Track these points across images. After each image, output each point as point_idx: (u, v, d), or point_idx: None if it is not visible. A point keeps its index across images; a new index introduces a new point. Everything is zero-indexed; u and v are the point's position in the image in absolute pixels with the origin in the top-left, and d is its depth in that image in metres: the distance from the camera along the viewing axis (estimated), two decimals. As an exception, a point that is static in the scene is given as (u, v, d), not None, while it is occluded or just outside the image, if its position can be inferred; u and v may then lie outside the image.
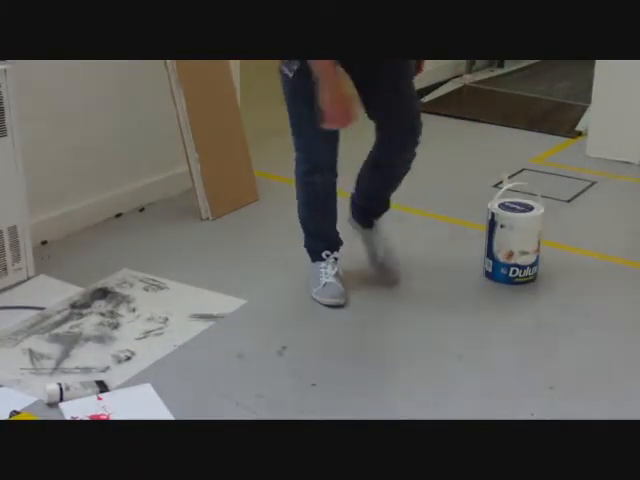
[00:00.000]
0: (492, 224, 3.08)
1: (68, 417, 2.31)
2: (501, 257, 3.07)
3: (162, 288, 3.02)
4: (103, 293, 2.96)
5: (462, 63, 5.76)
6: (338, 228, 3.03)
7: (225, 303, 2.91)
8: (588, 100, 4.61)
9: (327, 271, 2.97)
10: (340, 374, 2.56)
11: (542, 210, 3.11)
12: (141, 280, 3.06)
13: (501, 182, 3.34)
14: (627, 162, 4.33)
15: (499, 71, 5.97)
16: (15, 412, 2.32)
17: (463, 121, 5.07)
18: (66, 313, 2.84)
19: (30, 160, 3.04)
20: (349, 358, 2.65)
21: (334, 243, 3.04)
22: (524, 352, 2.70)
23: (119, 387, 2.46)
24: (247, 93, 4.22)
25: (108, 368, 2.55)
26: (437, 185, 4.07)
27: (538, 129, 4.91)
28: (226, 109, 3.75)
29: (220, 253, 3.32)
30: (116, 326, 2.78)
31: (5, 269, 2.98)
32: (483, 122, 5.03)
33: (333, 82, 2.62)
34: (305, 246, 3.06)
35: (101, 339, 2.70)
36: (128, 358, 2.61)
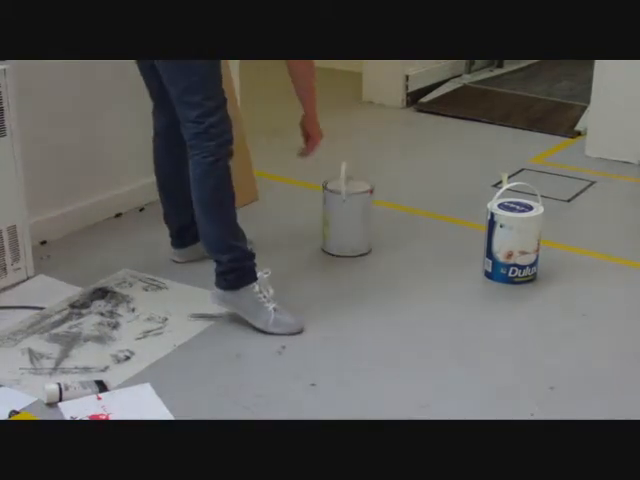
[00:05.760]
0: (492, 224, 3.08)
1: (67, 417, 2.31)
2: (501, 257, 3.07)
3: (162, 288, 3.02)
4: (103, 293, 2.96)
5: (462, 63, 5.76)
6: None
7: (225, 303, 2.91)
8: (588, 100, 4.61)
9: (268, 295, 2.74)
10: (340, 374, 2.56)
11: (542, 210, 3.11)
12: (141, 280, 3.06)
13: (501, 182, 3.34)
14: (627, 162, 4.33)
15: (499, 71, 5.97)
16: (15, 412, 2.32)
17: (463, 121, 5.07)
18: (65, 313, 2.84)
19: (30, 160, 3.04)
20: (349, 358, 2.65)
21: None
22: (524, 352, 2.70)
23: (119, 387, 2.46)
24: (247, 93, 4.22)
25: (107, 368, 2.55)
26: (437, 185, 4.07)
27: (538, 129, 4.91)
28: (226, 109, 3.75)
29: (220, 253, 3.31)
30: (115, 326, 2.78)
31: (4, 269, 2.98)
32: (483, 122, 5.03)
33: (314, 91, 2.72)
34: (232, 269, 2.72)
35: (100, 339, 2.70)
36: (127, 358, 2.61)
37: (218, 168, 2.65)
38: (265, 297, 2.73)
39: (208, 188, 2.67)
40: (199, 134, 2.61)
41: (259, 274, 2.75)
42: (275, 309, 2.73)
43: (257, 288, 2.73)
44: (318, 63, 2.77)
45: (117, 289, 2.99)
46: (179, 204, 3.09)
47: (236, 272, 2.72)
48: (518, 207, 3.11)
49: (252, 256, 2.76)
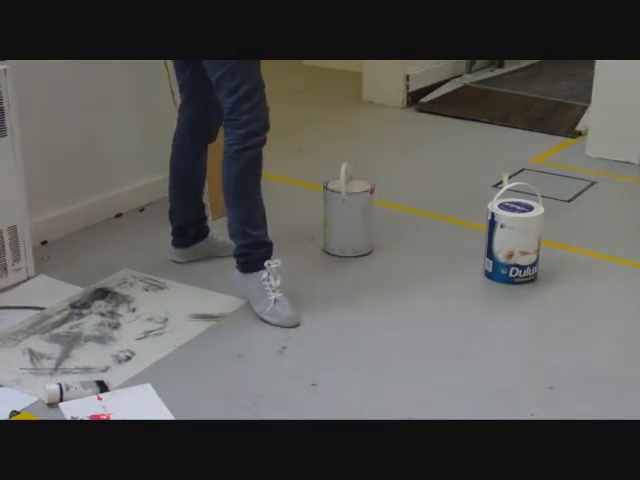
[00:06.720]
0: (492, 224, 3.08)
1: (68, 417, 2.31)
2: (501, 257, 3.07)
3: (162, 288, 3.02)
4: (103, 293, 2.96)
5: (462, 63, 5.76)
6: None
7: (225, 303, 2.91)
8: (588, 100, 4.61)
9: (274, 285, 2.82)
10: (340, 374, 2.56)
11: (542, 210, 3.11)
12: (141, 280, 3.06)
13: (501, 182, 3.34)
14: (627, 162, 4.33)
15: (499, 71, 5.97)
16: (15, 412, 2.32)
17: (463, 121, 5.07)
18: (66, 313, 2.84)
19: (30, 160, 3.05)
20: (349, 358, 2.65)
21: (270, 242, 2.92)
22: (524, 352, 2.71)
23: (119, 387, 2.46)
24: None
25: (108, 368, 2.55)
26: (437, 185, 4.07)
27: (538, 129, 4.90)
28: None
29: (220, 253, 3.31)
30: (116, 326, 2.78)
31: (5, 269, 2.99)
32: (483, 122, 5.03)
33: None
34: (242, 254, 2.86)
35: (101, 339, 2.70)
36: (128, 358, 2.61)
37: (243, 157, 2.72)
38: (271, 286, 2.80)
39: (230, 175, 2.76)
40: (231, 120, 2.69)
41: (267, 263, 2.82)
42: (277, 300, 2.79)
43: (265, 276, 2.82)
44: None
45: (117, 289, 2.99)
46: (188, 202, 3.13)
47: (245, 257, 2.84)
48: (518, 207, 3.11)
49: (266, 245, 2.85)
